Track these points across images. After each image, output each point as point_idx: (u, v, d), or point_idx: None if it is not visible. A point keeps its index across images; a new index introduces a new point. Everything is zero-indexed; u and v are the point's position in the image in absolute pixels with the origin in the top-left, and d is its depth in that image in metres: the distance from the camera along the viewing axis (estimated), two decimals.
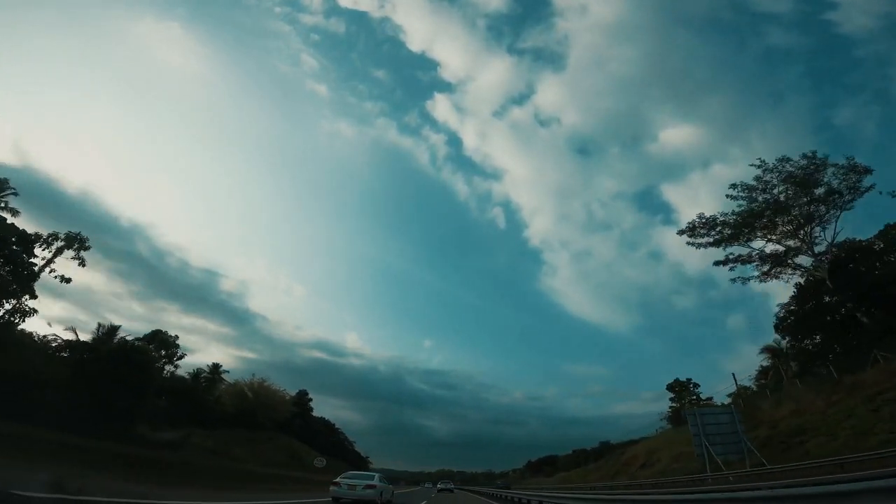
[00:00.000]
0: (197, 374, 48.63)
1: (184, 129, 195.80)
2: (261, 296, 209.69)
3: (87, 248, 30.68)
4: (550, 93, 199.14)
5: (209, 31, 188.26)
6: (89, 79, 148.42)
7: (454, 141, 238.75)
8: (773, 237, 35.56)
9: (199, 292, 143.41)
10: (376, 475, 18.14)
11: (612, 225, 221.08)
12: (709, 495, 8.78)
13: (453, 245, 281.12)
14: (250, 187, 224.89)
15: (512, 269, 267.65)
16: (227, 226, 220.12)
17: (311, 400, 73.35)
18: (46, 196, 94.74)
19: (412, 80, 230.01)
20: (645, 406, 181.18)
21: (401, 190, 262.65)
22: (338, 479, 16.56)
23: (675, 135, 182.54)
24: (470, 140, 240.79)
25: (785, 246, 35.59)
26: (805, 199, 33.19)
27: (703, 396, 56.68)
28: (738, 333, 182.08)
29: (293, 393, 65.32)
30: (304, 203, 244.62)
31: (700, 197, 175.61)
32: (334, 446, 76.03)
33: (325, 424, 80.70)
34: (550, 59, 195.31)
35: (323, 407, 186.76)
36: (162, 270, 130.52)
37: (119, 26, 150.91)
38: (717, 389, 62.91)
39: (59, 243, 29.57)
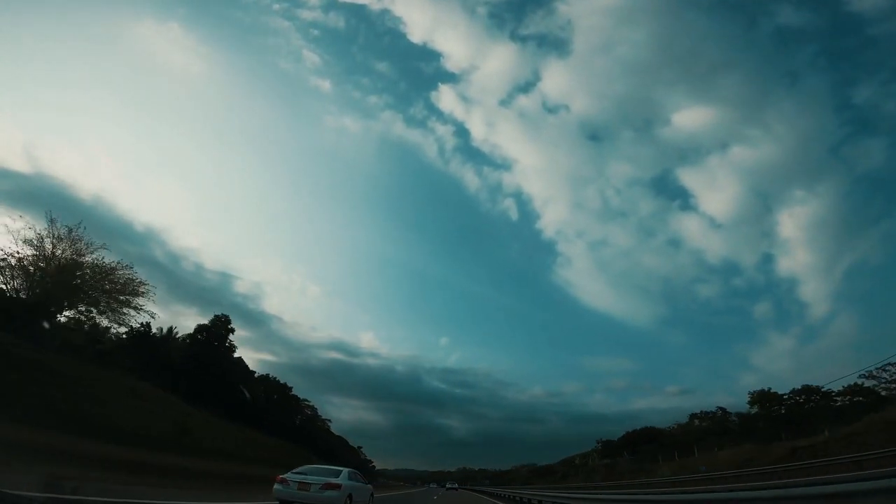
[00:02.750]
0: None
1: (190, 131, 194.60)
2: (275, 297, 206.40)
3: None
4: (557, 79, 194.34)
5: (209, 31, 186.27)
6: (94, 84, 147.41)
7: (461, 132, 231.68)
8: None
9: (214, 295, 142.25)
10: (345, 471, 13.83)
11: (627, 212, 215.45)
12: (710, 495, 8.73)
13: (466, 239, 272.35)
14: (258, 187, 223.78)
15: (527, 261, 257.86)
16: (237, 227, 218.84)
17: (232, 330, 45.59)
18: (61, 203, 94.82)
19: (415, 71, 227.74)
20: (669, 400, 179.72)
21: (410, 184, 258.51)
22: (285, 476, 12.57)
23: (690, 117, 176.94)
24: (477, 130, 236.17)
25: None
26: None
27: None
28: (764, 323, 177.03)
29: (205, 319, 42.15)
30: (314, 201, 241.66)
31: (719, 180, 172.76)
32: (293, 428, 55.61)
33: (271, 386, 56.75)
34: (555, 44, 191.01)
35: (342, 409, 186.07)
36: (178, 274, 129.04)
37: (119, 29, 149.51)
38: None
39: None
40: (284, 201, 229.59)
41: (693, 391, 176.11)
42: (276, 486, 12.38)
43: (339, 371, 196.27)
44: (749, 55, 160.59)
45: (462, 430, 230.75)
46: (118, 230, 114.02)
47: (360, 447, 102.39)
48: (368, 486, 16.06)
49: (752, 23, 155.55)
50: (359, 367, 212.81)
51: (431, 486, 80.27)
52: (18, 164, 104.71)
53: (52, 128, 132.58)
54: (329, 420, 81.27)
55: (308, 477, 12.48)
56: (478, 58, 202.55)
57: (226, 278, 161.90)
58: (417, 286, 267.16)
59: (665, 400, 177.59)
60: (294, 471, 13.18)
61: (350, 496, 12.86)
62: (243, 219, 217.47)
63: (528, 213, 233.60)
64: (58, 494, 8.69)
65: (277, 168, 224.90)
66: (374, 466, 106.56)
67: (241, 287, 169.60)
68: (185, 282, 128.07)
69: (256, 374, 57.29)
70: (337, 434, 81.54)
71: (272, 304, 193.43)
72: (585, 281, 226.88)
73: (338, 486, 12.36)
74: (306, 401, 71.19)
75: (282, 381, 63.74)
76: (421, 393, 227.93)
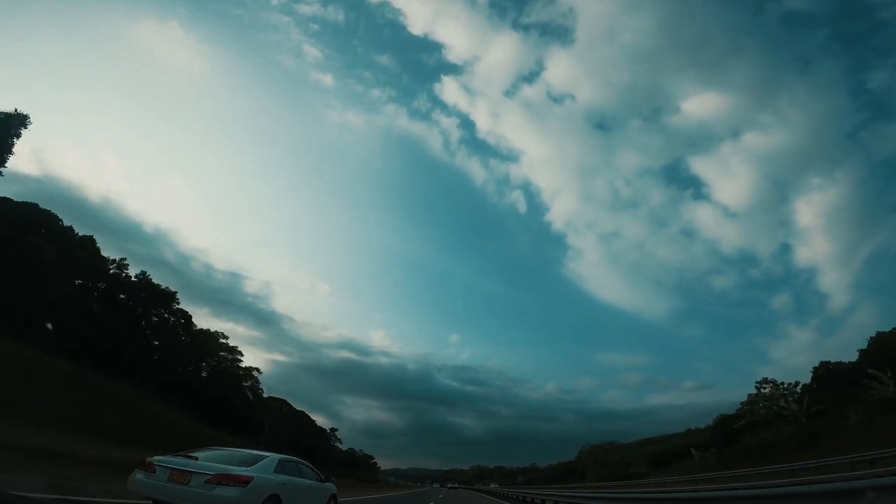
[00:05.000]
0: None
1: (193, 130, 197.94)
2: (285, 296, 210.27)
3: None
4: (561, 68, 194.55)
5: (209, 29, 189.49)
6: (97, 85, 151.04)
7: (466, 124, 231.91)
8: None
9: (225, 295, 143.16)
10: (271, 458, 8.88)
11: (639, 203, 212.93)
12: (710, 493, 8.69)
13: (474, 233, 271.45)
14: (263, 185, 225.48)
15: (537, 254, 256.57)
16: (244, 225, 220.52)
17: (20, 133, 30.11)
18: (70, 205, 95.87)
19: (418, 63, 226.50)
20: (685, 396, 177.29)
21: (416, 178, 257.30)
22: (153, 459, 7.81)
23: (699, 104, 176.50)
24: (482, 122, 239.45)
25: None
26: None
27: None
28: (783, 315, 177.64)
29: None
30: (320, 198, 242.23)
31: (732, 168, 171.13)
32: (182, 382, 33.92)
33: (132, 288, 34.78)
34: (558, 33, 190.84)
35: (355, 409, 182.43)
36: (188, 275, 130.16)
37: (120, 30, 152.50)
38: None
39: None
40: (290, 199, 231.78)
41: (710, 386, 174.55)
42: (135, 473, 7.88)
43: (351, 370, 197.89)
44: (758, 40, 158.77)
45: (475, 429, 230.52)
46: (128, 232, 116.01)
47: (333, 430, 70.56)
48: (326, 485, 11.32)
49: (760, 7, 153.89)
50: (370, 365, 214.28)
51: (435, 485, 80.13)
52: (27, 167, 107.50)
53: (57, 130, 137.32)
54: (257, 369, 50.46)
55: (192, 463, 7.68)
56: (480, 48, 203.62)
57: (235, 278, 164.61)
58: (426, 282, 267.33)
59: (681, 396, 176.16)
60: (179, 453, 8.23)
61: (275, 498, 8.12)
62: (249, 217, 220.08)
63: (536, 205, 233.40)
64: None
65: (282, 165, 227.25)
66: (375, 464, 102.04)
67: (250, 287, 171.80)
68: (195, 283, 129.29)
69: (117, 273, 34.72)
70: (298, 409, 56.44)
71: (282, 303, 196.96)
72: (597, 274, 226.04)
73: (243, 481, 7.47)
74: (221, 336, 40.93)
75: (163, 286, 37.53)
76: (433, 391, 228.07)
